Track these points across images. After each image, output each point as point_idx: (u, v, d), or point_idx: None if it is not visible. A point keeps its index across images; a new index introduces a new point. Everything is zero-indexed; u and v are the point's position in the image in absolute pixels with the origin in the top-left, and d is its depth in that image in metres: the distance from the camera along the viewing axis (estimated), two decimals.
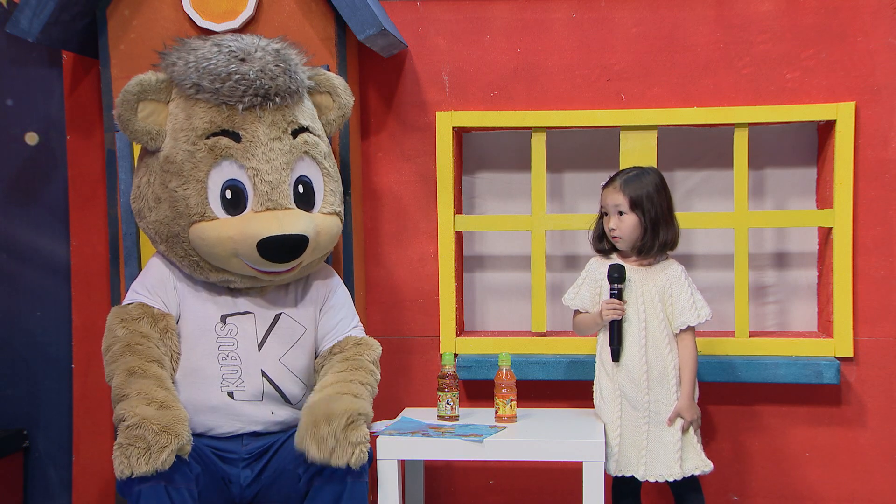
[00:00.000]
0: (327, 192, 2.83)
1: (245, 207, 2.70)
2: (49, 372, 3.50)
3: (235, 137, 2.69)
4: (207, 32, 3.07)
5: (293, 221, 2.68)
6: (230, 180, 2.69)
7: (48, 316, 3.50)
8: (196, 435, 2.69)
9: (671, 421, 2.85)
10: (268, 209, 2.69)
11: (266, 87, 2.68)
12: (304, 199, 2.78)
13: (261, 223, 2.66)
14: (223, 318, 2.74)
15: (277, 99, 2.71)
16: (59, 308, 3.48)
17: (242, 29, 3.08)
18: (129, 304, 2.76)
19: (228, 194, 2.69)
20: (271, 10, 3.11)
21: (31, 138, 3.48)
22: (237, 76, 2.66)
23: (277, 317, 2.79)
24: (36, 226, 3.49)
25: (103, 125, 3.24)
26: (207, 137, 2.68)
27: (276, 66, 2.71)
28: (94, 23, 3.19)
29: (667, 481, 2.89)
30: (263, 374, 2.74)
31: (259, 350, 2.75)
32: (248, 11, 3.08)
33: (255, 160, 2.69)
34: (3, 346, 3.52)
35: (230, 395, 2.71)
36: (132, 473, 2.41)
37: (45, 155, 3.47)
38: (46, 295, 3.49)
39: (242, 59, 2.69)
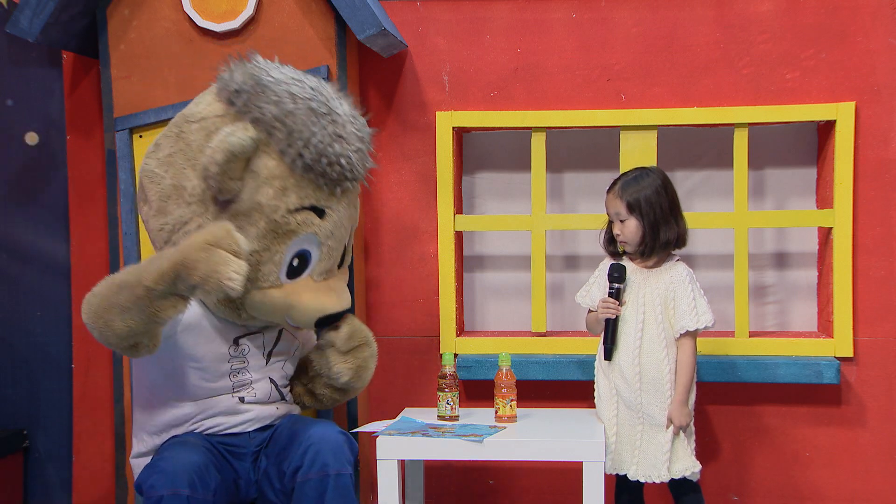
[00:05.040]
0: (348, 247, 2.86)
1: (303, 273, 2.69)
2: (49, 372, 3.50)
3: (321, 214, 2.65)
4: (208, 32, 3.07)
5: (345, 292, 2.74)
6: (302, 250, 2.66)
7: (48, 316, 3.50)
8: (207, 434, 2.71)
9: (668, 426, 2.85)
10: (325, 279, 2.71)
11: (360, 173, 2.66)
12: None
13: (323, 298, 2.68)
14: (235, 340, 2.74)
15: (362, 180, 2.72)
16: (59, 308, 3.48)
17: (242, 29, 3.08)
18: None
19: (296, 262, 2.66)
20: (271, 10, 3.11)
21: (31, 138, 3.48)
22: (343, 159, 2.58)
23: (280, 332, 2.83)
24: (36, 226, 3.49)
25: (103, 125, 3.24)
26: (297, 210, 2.61)
27: (368, 148, 2.69)
28: (94, 23, 3.19)
29: (666, 483, 2.89)
30: (271, 380, 2.79)
31: (267, 363, 2.79)
32: (249, 11, 3.08)
33: (332, 239, 2.69)
34: (3, 346, 3.52)
35: (241, 399, 2.74)
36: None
37: (45, 155, 3.47)
38: (46, 295, 3.49)
39: (340, 136, 2.59)
